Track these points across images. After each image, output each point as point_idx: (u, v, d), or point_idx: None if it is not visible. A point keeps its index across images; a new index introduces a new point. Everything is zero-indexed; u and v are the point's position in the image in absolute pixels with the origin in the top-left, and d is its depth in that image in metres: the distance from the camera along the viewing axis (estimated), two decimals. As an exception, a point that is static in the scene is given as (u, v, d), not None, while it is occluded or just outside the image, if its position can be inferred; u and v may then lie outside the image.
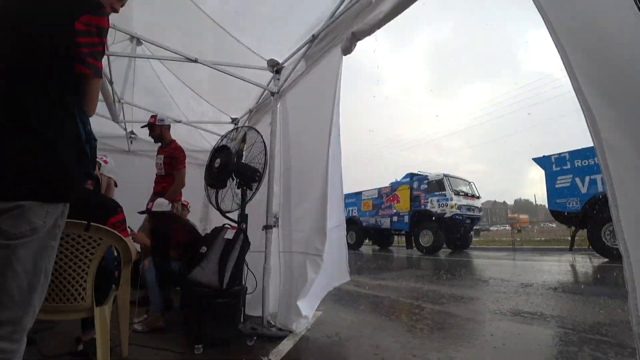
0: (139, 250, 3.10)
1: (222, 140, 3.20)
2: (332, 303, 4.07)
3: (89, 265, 1.77)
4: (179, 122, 4.79)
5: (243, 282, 2.72)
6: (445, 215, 12.77)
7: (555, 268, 7.71)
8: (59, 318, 1.80)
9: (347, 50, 2.49)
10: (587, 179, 8.98)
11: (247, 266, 2.77)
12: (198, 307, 2.44)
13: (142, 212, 3.24)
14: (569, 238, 10.31)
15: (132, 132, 5.57)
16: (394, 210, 14.94)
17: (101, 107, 3.56)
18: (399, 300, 4.36)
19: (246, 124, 4.21)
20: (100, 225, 1.77)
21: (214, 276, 2.42)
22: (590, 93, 1.08)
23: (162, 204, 3.13)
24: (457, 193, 13.16)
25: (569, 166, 9.45)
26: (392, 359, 2.38)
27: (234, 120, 4.72)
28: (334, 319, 3.36)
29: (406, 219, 14.32)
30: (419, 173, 15.04)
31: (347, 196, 17.14)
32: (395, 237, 17.09)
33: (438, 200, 13.16)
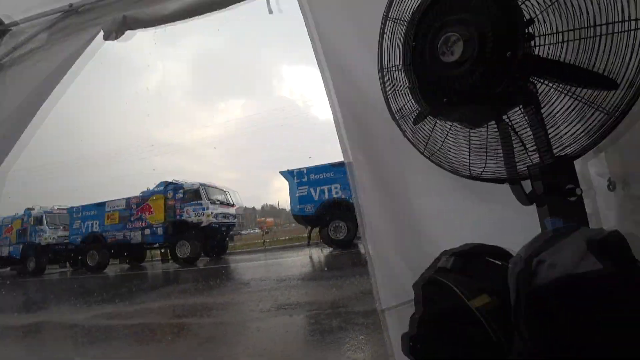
0: None
1: None
2: (89, 349, 3.28)
3: None
4: None
5: None
6: (202, 224, 12.81)
7: (299, 261, 9.23)
8: None
9: (110, 36, 2.04)
10: (318, 189, 11.81)
11: None
12: None
13: None
14: (307, 235, 12.89)
15: None
16: (147, 222, 13.55)
17: None
18: (167, 324, 4.00)
19: None
20: None
21: None
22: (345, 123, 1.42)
23: None
24: (213, 202, 13.45)
25: (306, 179, 12.09)
26: None
27: None
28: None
29: (160, 230, 13.30)
30: (174, 182, 14.34)
31: (85, 208, 15.00)
32: (149, 252, 15.51)
33: (194, 210, 12.99)
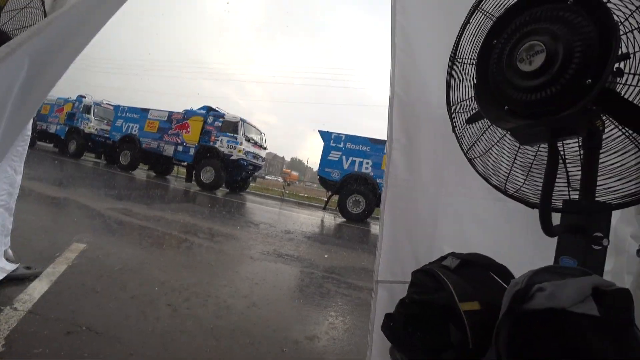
0: None
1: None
2: (100, 234, 3.57)
3: None
4: None
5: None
6: (232, 157, 13.12)
7: (311, 221, 9.43)
8: None
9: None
10: (350, 158, 11.81)
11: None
12: None
13: None
14: (325, 199, 13.19)
15: None
16: (181, 140, 14.07)
17: None
18: (172, 234, 4.28)
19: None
20: None
21: None
22: (398, 101, 1.39)
23: None
24: (248, 139, 13.69)
25: (342, 145, 12.04)
26: (169, 287, 2.42)
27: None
28: (101, 254, 2.96)
29: (192, 151, 13.77)
30: (216, 109, 14.61)
31: (130, 110, 15.33)
32: (176, 167, 16.24)
33: (228, 142, 13.27)
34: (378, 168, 11.11)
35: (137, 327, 1.87)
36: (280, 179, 26.52)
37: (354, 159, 11.67)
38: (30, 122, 2.24)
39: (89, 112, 16.48)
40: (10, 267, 2.11)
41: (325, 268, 4.01)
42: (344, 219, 11.13)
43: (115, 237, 3.74)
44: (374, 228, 10.34)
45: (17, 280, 2.07)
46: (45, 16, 2.13)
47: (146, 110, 15.10)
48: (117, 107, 16.04)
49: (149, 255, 3.29)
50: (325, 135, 12.30)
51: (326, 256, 4.78)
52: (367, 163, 11.44)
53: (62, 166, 11.43)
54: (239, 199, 12.18)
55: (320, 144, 12.38)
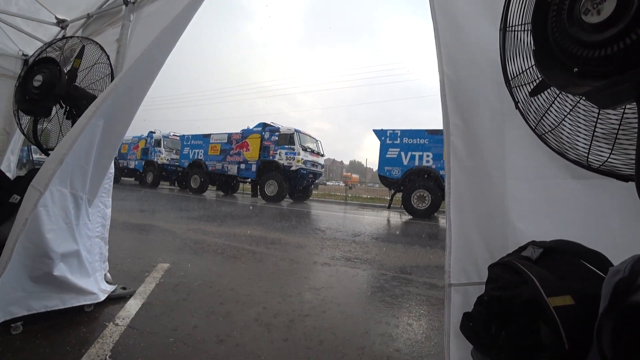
0: None
1: (43, 52, 2.40)
2: (181, 253, 3.87)
3: None
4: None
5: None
6: (292, 168, 13.52)
7: (376, 222, 9.28)
8: None
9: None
10: (409, 154, 11.44)
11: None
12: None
13: None
14: (388, 198, 13.01)
15: None
16: (242, 158, 14.85)
17: None
18: (244, 248, 4.46)
19: (80, 33, 3.25)
20: None
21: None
22: (449, 83, 1.30)
23: None
24: (305, 149, 13.98)
25: (398, 141, 11.73)
26: (247, 298, 2.56)
27: (61, 23, 3.56)
28: (183, 271, 3.22)
29: (254, 167, 14.48)
30: (271, 124, 15.17)
31: (194, 137, 16.76)
32: (241, 185, 17.14)
33: (287, 153, 13.72)
34: (440, 159, 10.63)
35: (222, 338, 1.97)
36: (341, 184, 26.56)
37: (413, 153, 11.32)
38: (112, 162, 2.51)
39: (159, 145, 18.23)
40: (110, 288, 2.38)
41: (396, 268, 3.90)
42: (410, 216, 10.82)
43: (194, 254, 4.02)
44: (443, 223, 9.85)
45: (116, 300, 2.32)
46: (111, 69, 2.38)
47: (208, 136, 16.27)
48: (182, 137, 17.53)
49: (224, 269, 3.47)
50: (380, 133, 12.13)
51: (396, 256, 4.65)
52: (428, 156, 10.99)
53: (142, 196, 12.62)
54: (303, 207, 12.40)
55: (377, 142, 12.22)
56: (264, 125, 14.98)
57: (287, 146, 13.77)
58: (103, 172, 2.39)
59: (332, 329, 2.17)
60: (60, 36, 3.28)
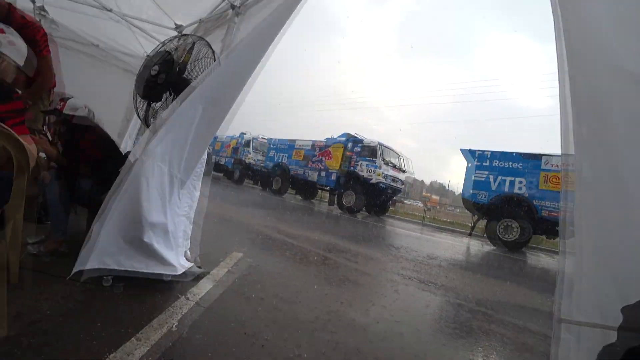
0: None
1: (161, 47, 2.70)
2: (254, 246, 4.04)
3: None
4: (109, 10, 3.96)
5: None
6: (371, 181, 13.31)
7: (455, 247, 8.64)
8: None
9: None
10: (499, 178, 10.30)
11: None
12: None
13: (47, 112, 2.67)
14: (470, 224, 12.13)
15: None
16: (324, 166, 15.13)
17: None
18: (314, 252, 4.47)
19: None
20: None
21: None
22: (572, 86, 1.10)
23: (76, 106, 2.58)
24: (387, 163, 13.70)
25: (488, 163, 10.69)
26: (311, 300, 2.57)
27: (179, 28, 4.06)
28: (254, 262, 3.33)
29: (334, 176, 14.64)
30: (355, 135, 15.23)
31: (280, 141, 17.72)
32: (319, 191, 17.50)
33: (368, 165, 13.58)
34: (534, 188, 9.41)
35: (282, 329, 1.99)
36: (420, 204, 25.45)
37: (504, 178, 10.17)
38: (206, 149, 2.71)
39: (248, 146, 19.58)
40: (188, 265, 2.52)
41: (474, 300, 3.51)
42: (493, 247, 9.79)
43: (266, 249, 4.16)
44: (532, 259, 8.72)
45: (191, 276, 2.46)
46: (214, 60, 2.58)
47: (293, 141, 17.04)
48: (269, 140, 18.70)
49: (293, 268, 3.51)
50: (468, 154, 11.25)
51: (475, 287, 4.21)
52: (520, 182, 9.79)
53: (228, 191, 13.61)
54: (379, 222, 12.15)
55: (462, 164, 11.40)
56: (348, 136, 15.12)
57: (369, 158, 13.67)
58: (197, 156, 2.58)
59: (399, 353, 2.00)
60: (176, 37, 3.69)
